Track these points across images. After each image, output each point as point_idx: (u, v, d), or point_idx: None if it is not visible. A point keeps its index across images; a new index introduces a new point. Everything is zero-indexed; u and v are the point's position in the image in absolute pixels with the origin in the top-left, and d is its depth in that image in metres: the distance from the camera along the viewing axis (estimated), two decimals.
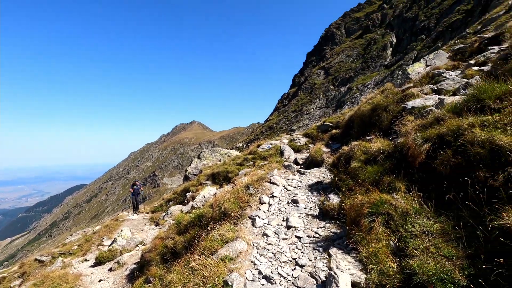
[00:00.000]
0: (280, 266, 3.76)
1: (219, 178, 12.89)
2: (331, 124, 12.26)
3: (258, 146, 14.10)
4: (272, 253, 4.08)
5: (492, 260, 2.37)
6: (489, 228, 2.61)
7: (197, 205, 9.61)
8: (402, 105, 6.77)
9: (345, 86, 56.85)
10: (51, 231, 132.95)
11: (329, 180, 6.34)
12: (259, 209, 5.60)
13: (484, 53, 7.89)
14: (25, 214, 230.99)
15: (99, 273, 8.88)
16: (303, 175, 7.46)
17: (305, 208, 5.34)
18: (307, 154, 9.66)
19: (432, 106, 5.66)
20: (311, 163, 8.41)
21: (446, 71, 8.05)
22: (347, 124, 9.65)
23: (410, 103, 6.44)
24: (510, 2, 19.24)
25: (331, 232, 4.30)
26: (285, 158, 10.13)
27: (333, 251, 3.68)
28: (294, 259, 3.84)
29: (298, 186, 6.63)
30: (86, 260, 10.48)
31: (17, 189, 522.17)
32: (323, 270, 3.44)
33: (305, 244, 4.12)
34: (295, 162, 9.27)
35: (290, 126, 54.47)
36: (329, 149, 9.08)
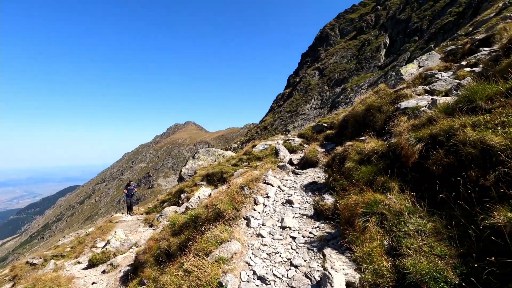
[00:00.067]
0: (274, 266, 3.75)
1: (214, 178, 12.85)
2: (325, 125, 12.32)
3: (253, 146, 14.10)
4: (267, 254, 4.08)
5: (484, 258, 2.40)
6: (481, 227, 2.64)
7: (191, 206, 9.56)
8: (396, 106, 6.83)
9: (340, 86, 57.19)
10: (43, 233, 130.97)
11: (324, 180, 6.36)
12: (254, 210, 5.59)
13: (476, 55, 8.02)
14: (17, 216, 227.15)
15: (92, 275, 8.76)
16: (298, 176, 7.47)
17: (299, 209, 5.35)
18: (302, 155, 9.69)
19: (425, 106, 5.72)
20: (306, 163, 8.43)
21: (439, 72, 8.16)
22: (342, 124, 9.71)
23: (404, 104, 6.50)
24: (500, 4, 19.60)
25: (325, 232, 4.31)
26: (280, 159, 10.15)
27: (327, 251, 3.69)
28: (288, 259, 3.84)
29: (293, 187, 6.64)
30: (79, 262, 10.33)
31: (8, 190, 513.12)
32: (318, 270, 3.44)
33: (300, 245, 4.13)
34: (290, 162, 9.29)
35: (285, 127, 54.59)
36: (323, 150, 9.12)
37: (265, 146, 12.98)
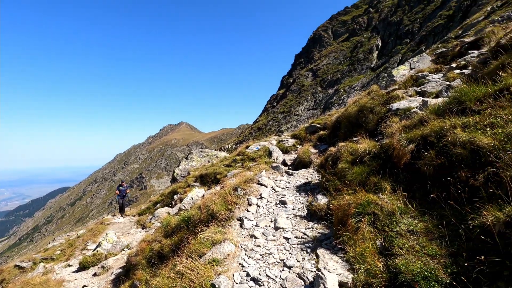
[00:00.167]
0: (268, 267, 3.74)
1: (208, 179, 12.78)
2: (319, 126, 12.38)
3: (247, 147, 14.09)
4: (260, 255, 4.07)
5: (474, 257, 2.44)
6: (471, 227, 2.67)
7: (184, 207, 9.48)
8: (388, 107, 6.91)
9: (333, 88, 57.62)
10: (33, 236, 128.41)
11: (317, 181, 6.38)
12: (247, 211, 5.58)
13: (465, 57, 8.16)
14: (5, 218, 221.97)
15: (82, 278, 8.62)
16: (291, 176, 7.49)
17: (293, 209, 5.36)
18: (295, 155, 9.71)
19: (416, 108, 5.80)
20: (299, 164, 8.46)
21: (429, 74, 8.28)
22: (335, 125, 9.77)
23: (395, 105, 6.58)
24: (488, 8, 20.04)
25: (318, 232, 4.32)
26: (274, 159, 10.16)
27: (320, 251, 3.70)
28: (282, 260, 3.84)
29: (286, 187, 6.65)
30: (69, 265, 10.15)
31: None
32: (311, 271, 3.45)
33: (293, 245, 4.13)
34: (284, 163, 9.30)
35: (278, 127, 54.71)
36: (317, 150, 9.16)
37: (259, 147, 12.99)
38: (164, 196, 15.71)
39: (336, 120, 9.76)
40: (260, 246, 4.30)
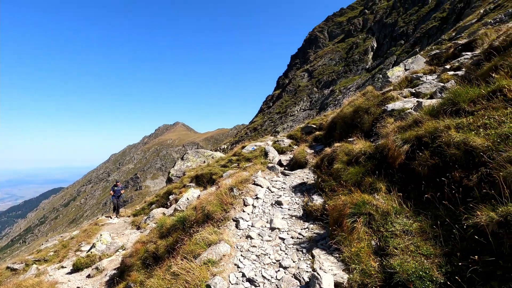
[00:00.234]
0: (264, 268, 3.73)
1: (203, 180, 12.74)
2: (314, 126, 12.42)
3: (243, 147, 14.07)
4: (256, 256, 4.06)
5: (468, 257, 2.46)
6: (465, 227, 2.70)
7: (180, 207, 9.43)
8: (383, 108, 6.95)
9: (328, 88, 57.90)
10: (25, 237, 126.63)
11: (313, 181, 6.39)
12: (243, 211, 5.56)
13: (459, 59, 8.26)
14: None
15: (76, 280, 8.52)
16: (287, 177, 7.49)
17: (289, 210, 5.35)
18: (291, 156, 9.73)
19: (411, 108, 5.84)
20: (295, 164, 8.47)
21: (424, 75, 8.36)
22: (330, 126, 9.81)
23: (390, 106, 6.62)
24: (481, 11, 20.32)
25: (314, 233, 4.32)
26: (270, 160, 10.16)
27: (316, 252, 3.70)
28: (278, 261, 3.83)
29: (282, 188, 6.65)
30: (62, 267, 10.03)
31: None
32: (307, 271, 3.45)
33: (289, 246, 4.12)
34: (279, 163, 9.31)
35: (274, 128, 54.79)
36: (312, 151, 9.18)
37: (255, 147, 12.98)
38: (159, 197, 15.62)
39: (332, 121, 9.79)
40: (255, 246, 4.29)
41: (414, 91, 7.34)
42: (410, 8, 57.38)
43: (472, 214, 2.69)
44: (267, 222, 5.02)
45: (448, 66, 8.14)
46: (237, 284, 3.53)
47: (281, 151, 11.33)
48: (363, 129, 7.22)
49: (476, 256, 2.37)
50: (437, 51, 11.21)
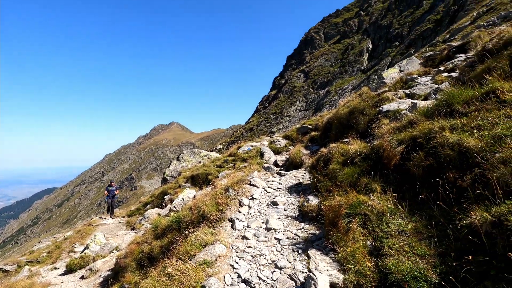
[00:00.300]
0: (259, 269, 3.72)
1: (199, 180, 12.68)
2: (310, 127, 12.46)
3: (239, 148, 14.04)
4: (252, 256, 4.05)
5: (462, 257, 2.48)
6: (459, 227, 2.72)
7: (175, 208, 9.38)
8: (378, 109, 7.00)
9: (324, 89, 58.13)
10: (18, 238, 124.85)
11: (308, 182, 6.40)
12: (239, 212, 5.55)
13: (453, 61, 8.35)
14: None
15: (69, 281, 8.41)
16: (283, 177, 7.50)
17: (284, 210, 5.35)
18: (287, 156, 9.74)
19: (406, 109, 5.89)
20: (291, 165, 8.48)
21: (418, 77, 8.44)
22: (326, 126, 9.84)
23: (385, 107, 6.67)
24: (475, 14, 20.58)
25: (310, 233, 4.32)
26: (265, 160, 10.15)
27: (312, 252, 3.70)
28: (273, 261, 3.82)
29: (278, 188, 6.65)
30: (55, 268, 9.90)
31: None
32: (302, 272, 3.45)
33: (285, 246, 4.12)
34: (275, 164, 9.31)
35: (270, 128, 54.83)
36: (308, 151, 9.20)
37: (251, 148, 12.96)
38: (154, 197, 15.52)
39: (328, 121, 9.83)
40: (251, 247, 4.28)
41: (408, 92, 7.40)
42: (405, 10, 57.93)
43: (466, 214, 2.71)
44: (263, 222, 5.01)
45: (442, 68, 8.23)
46: (232, 285, 3.52)
47: (277, 152, 11.33)
48: (359, 130, 7.26)
49: (470, 256, 2.39)
50: (432, 52, 11.33)
